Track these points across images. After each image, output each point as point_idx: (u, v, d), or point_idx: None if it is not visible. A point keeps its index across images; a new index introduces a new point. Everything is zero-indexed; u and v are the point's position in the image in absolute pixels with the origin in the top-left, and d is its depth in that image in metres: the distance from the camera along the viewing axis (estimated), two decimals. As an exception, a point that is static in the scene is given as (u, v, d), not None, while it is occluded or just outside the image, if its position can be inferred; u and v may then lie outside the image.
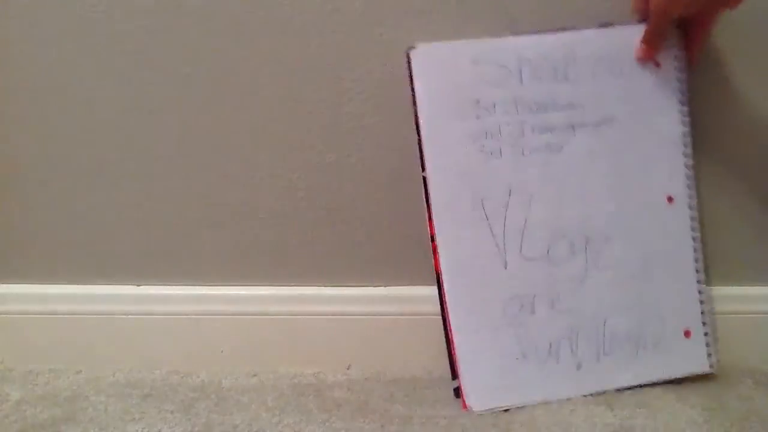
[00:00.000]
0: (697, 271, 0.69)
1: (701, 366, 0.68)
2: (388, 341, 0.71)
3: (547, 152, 0.66)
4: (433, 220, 0.65)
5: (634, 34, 0.66)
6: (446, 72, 0.65)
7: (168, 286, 0.71)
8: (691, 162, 0.68)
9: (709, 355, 0.68)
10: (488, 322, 0.65)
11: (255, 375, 0.70)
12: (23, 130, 0.69)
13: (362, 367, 0.71)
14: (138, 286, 0.71)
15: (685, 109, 0.68)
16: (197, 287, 0.71)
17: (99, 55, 0.67)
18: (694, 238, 0.68)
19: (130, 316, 0.70)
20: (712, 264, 0.71)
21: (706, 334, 0.68)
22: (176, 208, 0.70)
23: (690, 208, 0.68)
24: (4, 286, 0.71)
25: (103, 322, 0.70)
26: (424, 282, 0.69)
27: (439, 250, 0.65)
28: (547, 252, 0.66)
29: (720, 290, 0.71)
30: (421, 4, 0.66)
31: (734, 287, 0.72)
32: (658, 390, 0.67)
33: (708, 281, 0.70)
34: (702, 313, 0.68)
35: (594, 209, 0.67)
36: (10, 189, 0.70)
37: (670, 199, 0.68)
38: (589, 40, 0.66)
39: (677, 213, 0.68)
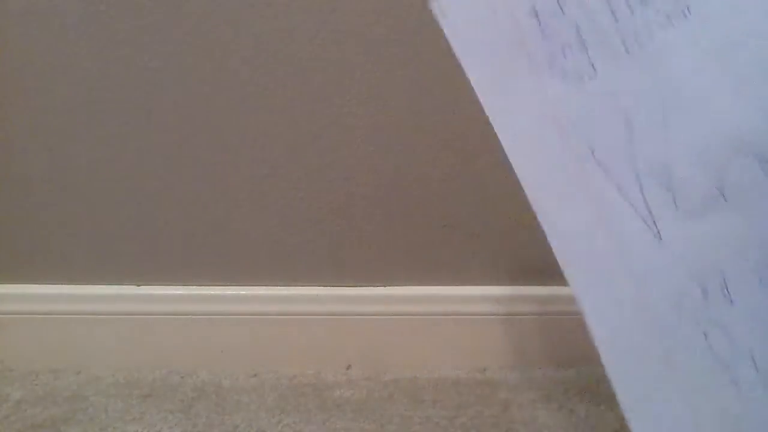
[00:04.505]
0: None
1: None
2: (388, 341, 0.71)
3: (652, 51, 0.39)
4: (530, 200, 0.41)
5: None
6: None
7: (168, 286, 0.71)
8: None
9: None
10: (655, 332, 0.39)
11: (255, 375, 0.70)
12: (23, 130, 0.68)
13: (362, 367, 0.71)
14: (138, 286, 0.71)
15: None
16: (197, 287, 0.71)
17: (100, 55, 0.67)
18: None
19: (130, 316, 0.70)
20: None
21: None
22: (177, 208, 0.70)
23: None
24: (4, 286, 0.71)
25: (103, 322, 0.70)
26: (423, 282, 0.69)
27: (549, 239, 0.40)
28: (723, 194, 0.38)
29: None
30: None
31: None
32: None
33: None
34: None
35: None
36: (10, 189, 0.70)
37: None
38: None
39: None
